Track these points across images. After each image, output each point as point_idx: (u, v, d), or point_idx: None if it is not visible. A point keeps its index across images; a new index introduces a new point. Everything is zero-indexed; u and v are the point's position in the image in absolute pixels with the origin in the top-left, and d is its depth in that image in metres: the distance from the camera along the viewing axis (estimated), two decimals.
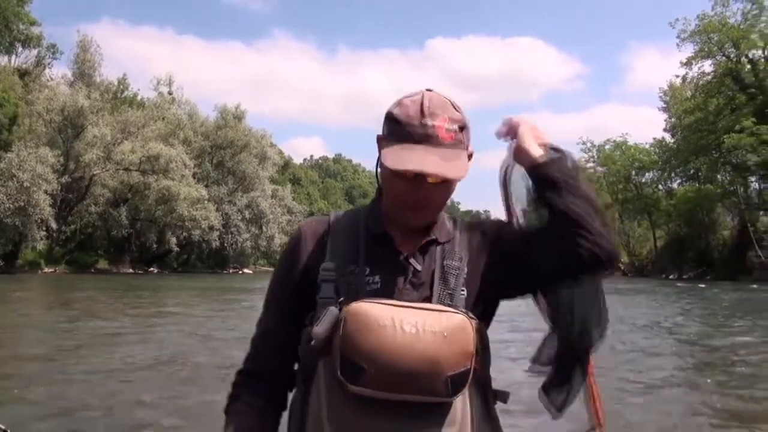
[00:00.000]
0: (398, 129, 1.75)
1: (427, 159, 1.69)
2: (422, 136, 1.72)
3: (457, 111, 1.77)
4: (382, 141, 1.79)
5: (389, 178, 1.78)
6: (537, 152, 1.84)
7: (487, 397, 1.81)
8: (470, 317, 1.65)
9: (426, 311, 1.63)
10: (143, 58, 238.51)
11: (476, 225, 1.94)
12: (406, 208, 1.79)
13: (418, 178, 1.72)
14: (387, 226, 1.86)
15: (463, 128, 1.76)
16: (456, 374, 1.59)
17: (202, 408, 7.72)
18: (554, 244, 1.76)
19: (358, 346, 1.58)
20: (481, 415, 1.74)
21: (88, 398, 8.24)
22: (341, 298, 1.70)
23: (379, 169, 1.82)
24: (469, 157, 1.78)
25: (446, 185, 1.76)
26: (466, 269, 1.80)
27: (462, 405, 1.68)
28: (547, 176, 1.80)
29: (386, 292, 1.74)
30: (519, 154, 1.90)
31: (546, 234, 1.80)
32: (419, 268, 1.80)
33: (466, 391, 1.66)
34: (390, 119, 1.79)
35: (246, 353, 1.94)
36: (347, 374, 1.59)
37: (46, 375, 9.69)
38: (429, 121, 1.72)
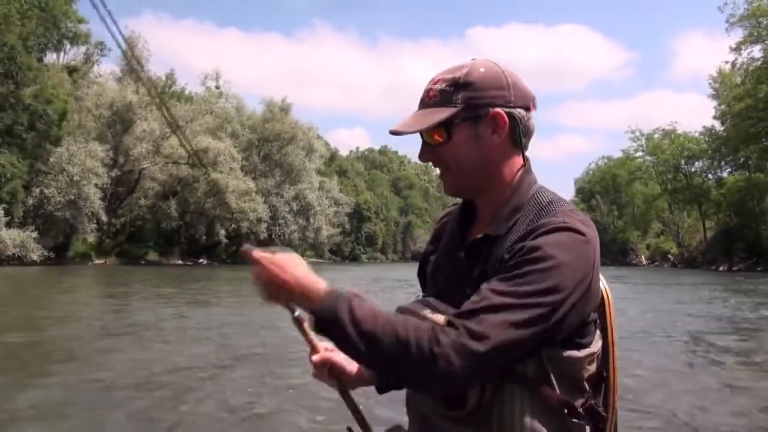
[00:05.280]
0: None
1: (405, 120, 1.78)
2: (419, 102, 1.80)
3: (467, 71, 1.75)
4: None
5: None
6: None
7: None
8: None
9: None
10: (185, 51, 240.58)
11: (534, 229, 1.65)
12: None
13: (422, 142, 1.79)
14: (471, 214, 1.89)
15: (457, 86, 1.73)
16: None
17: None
18: None
19: None
20: None
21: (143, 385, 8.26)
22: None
23: None
24: (486, 117, 1.72)
25: (440, 148, 1.76)
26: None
27: None
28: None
29: (438, 290, 1.81)
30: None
31: None
32: (467, 266, 1.76)
33: None
34: None
35: None
36: None
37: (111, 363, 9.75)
38: (427, 86, 1.79)
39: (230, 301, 22.14)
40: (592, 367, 1.70)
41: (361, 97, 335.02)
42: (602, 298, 1.76)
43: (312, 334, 1.77)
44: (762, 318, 17.64)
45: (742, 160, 69.52)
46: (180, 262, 64.72)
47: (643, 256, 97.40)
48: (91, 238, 59.18)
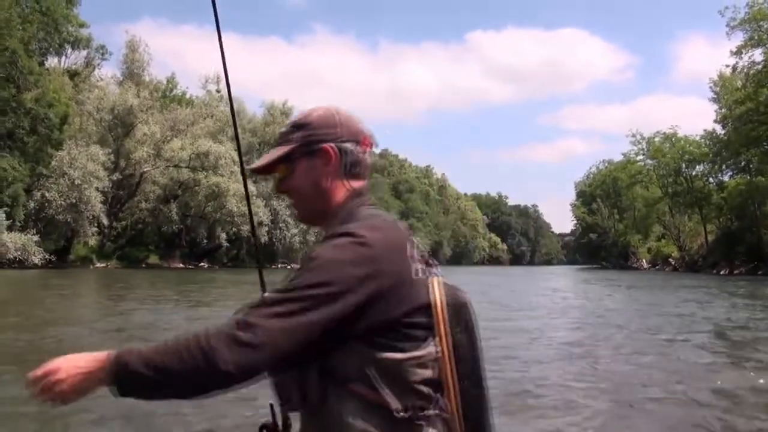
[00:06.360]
0: None
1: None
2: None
3: (306, 114, 2.04)
4: None
5: None
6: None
7: None
8: None
9: None
10: (185, 55, 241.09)
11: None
12: None
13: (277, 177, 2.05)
14: None
15: (296, 127, 2.03)
16: None
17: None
18: None
19: None
20: None
21: None
22: None
23: None
24: (318, 151, 1.97)
25: (286, 180, 2.02)
26: None
27: None
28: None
29: None
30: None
31: None
32: None
33: None
34: None
35: None
36: None
37: None
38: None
39: (231, 304, 22.17)
40: (426, 372, 1.79)
41: (362, 100, 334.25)
42: (431, 304, 1.82)
43: None
44: (759, 320, 17.66)
45: (743, 163, 69.32)
46: (181, 265, 64.77)
47: (644, 260, 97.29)
48: (93, 242, 59.34)
